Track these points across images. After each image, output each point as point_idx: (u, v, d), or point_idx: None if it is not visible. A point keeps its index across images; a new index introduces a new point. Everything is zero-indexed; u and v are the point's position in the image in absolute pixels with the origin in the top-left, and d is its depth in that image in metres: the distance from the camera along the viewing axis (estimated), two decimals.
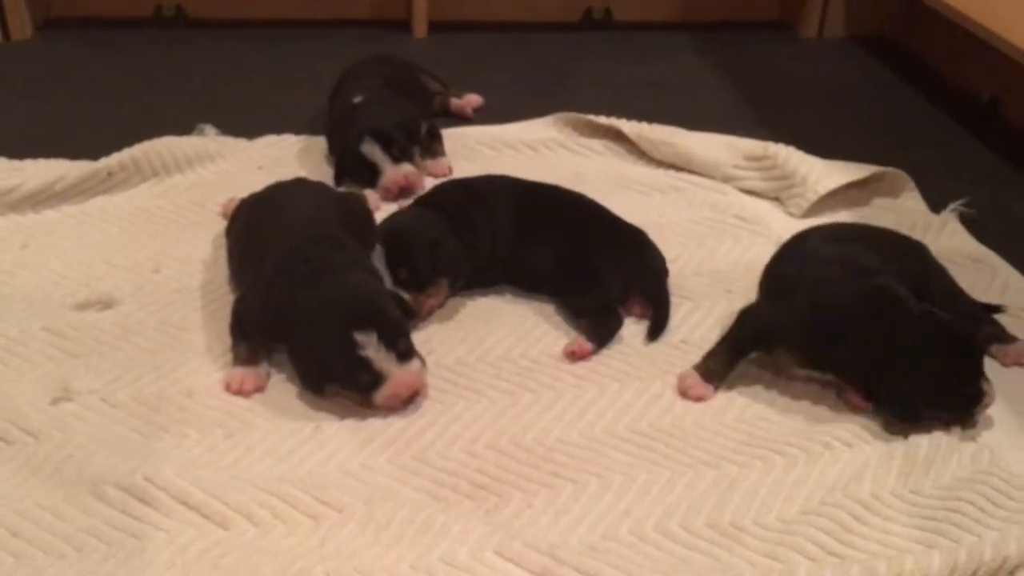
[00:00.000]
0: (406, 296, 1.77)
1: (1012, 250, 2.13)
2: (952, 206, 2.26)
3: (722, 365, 1.70)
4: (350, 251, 1.74)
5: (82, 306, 1.83)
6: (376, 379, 1.58)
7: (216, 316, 1.82)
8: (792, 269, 1.79)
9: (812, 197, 2.24)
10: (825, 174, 2.28)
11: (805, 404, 1.69)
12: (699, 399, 1.68)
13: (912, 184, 2.33)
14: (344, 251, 1.73)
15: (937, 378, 1.58)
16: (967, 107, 2.92)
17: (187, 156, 2.32)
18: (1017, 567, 1.36)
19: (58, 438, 1.52)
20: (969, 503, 1.48)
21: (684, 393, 1.69)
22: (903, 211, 2.26)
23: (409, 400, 1.62)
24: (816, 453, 1.57)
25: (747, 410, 1.67)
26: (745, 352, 1.71)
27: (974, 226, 2.22)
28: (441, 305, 1.88)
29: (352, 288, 1.64)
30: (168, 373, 1.68)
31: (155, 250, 2.02)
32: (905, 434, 1.60)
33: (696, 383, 1.69)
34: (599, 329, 1.80)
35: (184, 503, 1.40)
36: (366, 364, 1.57)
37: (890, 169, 2.33)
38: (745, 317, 1.73)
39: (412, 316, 1.75)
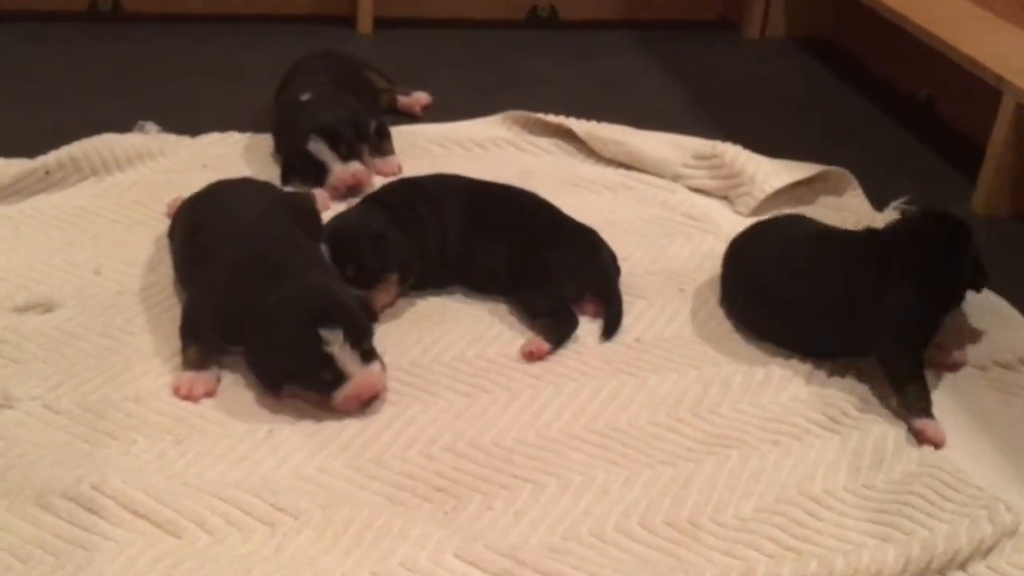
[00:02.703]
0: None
1: None
2: (894, 204, 2.30)
3: None
4: (307, 251, 1.72)
5: (21, 309, 1.78)
6: (338, 378, 1.56)
7: (161, 319, 1.77)
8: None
9: (760, 195, 2.26)
10: (772, 173, 2.30)
11: (757, 397, 1.70)
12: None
13: (856, 183, 2.36)
14: (302, 251, 1.70)
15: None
16: (904, 106, 2.98)
17: (128, 154, 2.26)
18: (968, 559, 1.40)
19: None
20: (920, 496, 1.50)
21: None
22: (847, 209, 2.29)
23: (367, 403, 1.60)
24: (764, 451, 1.59)
25: (700, 404, 1.68)
26: None
27: None
28: (392, 303, 1.86)
29: (318, 286, 1.62)
30: (113, 378, 1.63)
31: (96, 251, 1.97)
32: (850, 428, 1.64)
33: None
34: (556, 329, 1.80)
35: (134, 512, 1.36)
36: (330, 361, 1.55)
37: (835, 168, 2.36)
38: None
39: (374, 319, 1.72)
